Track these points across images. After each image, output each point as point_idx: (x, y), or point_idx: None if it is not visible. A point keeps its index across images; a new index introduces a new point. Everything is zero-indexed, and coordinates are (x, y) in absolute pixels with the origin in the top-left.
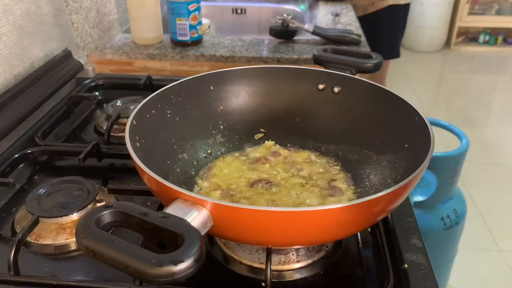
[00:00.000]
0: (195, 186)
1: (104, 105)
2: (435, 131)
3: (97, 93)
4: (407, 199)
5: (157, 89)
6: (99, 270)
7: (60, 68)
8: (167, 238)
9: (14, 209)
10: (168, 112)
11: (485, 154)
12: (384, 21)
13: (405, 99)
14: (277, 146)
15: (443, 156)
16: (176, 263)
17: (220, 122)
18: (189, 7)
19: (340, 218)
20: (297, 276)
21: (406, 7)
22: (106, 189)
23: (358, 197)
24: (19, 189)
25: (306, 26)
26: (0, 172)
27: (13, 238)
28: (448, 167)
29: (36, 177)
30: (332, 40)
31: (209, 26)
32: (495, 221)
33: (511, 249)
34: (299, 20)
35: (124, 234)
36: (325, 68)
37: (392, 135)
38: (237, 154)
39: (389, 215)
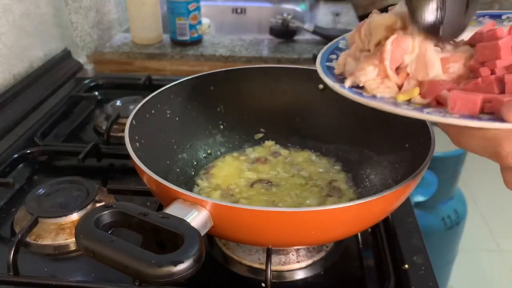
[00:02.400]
0: (195, 186)
1: (104, 105)
2: (435, 131)
3: (96, 93)
4: (408, 199)
5: (157, 89)
6: (99, 270)
7: (59, 68)
8: (166, 239)
9: (13, 209)
10: (168, 112)
11: None
12: None
13: None
14: (277, 146)
15: (443, 156)
16: (175, 263)
17: (220, 122)
18: (188, 6)
19: (340, 219)
20: (298, 276)
21: None
22: (105, 189)
23: (359, 198)
24: (19, 189)
25: (306, 26)
26: (0, 172)
27: (13, 239)
28: (449, 167)
29: (35, 177)
30: (332, 39)
31: (209, 26)
32: (495, 221)
33: (511, 249)
34: (299, 20)
35: (123, 234)
36: None
37: (392, 135)
38: (236, 154)
39: (389, 215)
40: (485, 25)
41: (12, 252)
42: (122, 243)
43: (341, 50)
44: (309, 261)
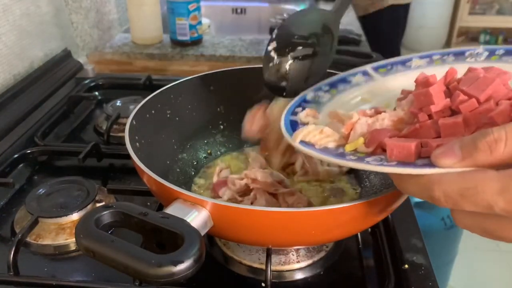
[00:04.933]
0: (193, 185)
1: (104, 105)
2: None
3: (96, 93)
4: (408, 199)
5: (157, 89)
6: (99, 270)
7: (59, 68)
8: (167, 239)
9: (13, 209)
10: (168, 112)
11: None
12: (385, 21)
13: None
14: None
15: None
16: (176, 263)
17: (220, 122)
18: (189, 6)
19: (340, 219)
20: (297, 276)
21: (406, 7)
22: (105, 189)
23: (359, 197)
24: (19, 189)
25: None
26: (0, 172)
27: (13, 238)
28: None
29: (35, 177)
30: None
31: (209, 26)
32: None
33: (511, 249)
34: None
35: (124, 234)
36: None
37: None
38: (236, 154)
39: (389, 215)
40: (419, 74)
41: (12, 252)
42: (122, 243)
43: (308, 102)
44: (309, 261)
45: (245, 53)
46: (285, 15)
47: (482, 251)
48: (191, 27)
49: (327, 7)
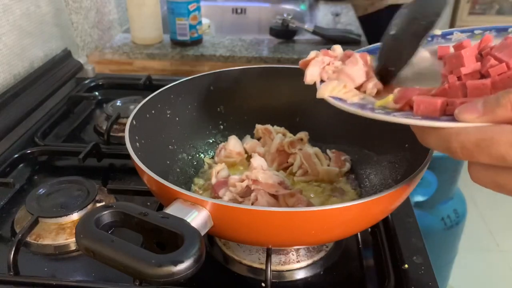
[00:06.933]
0: (192, 185)
1: (104, 105)
2: None
3: (96, 93)
4: (408, 199)
5: (157, 89)
6: (99, 270)
7: (59, 68)
8: (167, 239)
9: (13, 209)
10: (168, 112)
11: None
12: (384, 21)
13: None
14: None
15: (443, 156)
16: (176, 263)
17: (220, 122)
18: (189, 7)
19: (340, 218)
20: (297, 276)
21: None
22: (106, 189)
23: (359, 197)
24: (19, 189)
25: (306, 26)
26: (0, 172)
27: (13, 238)
28: (449, 167)
29: (35, 177)
30: (332, 40)
31: (209, 26)
32: (495, 221)
33: (511, 249)
34: (299, 20)
35: (124, 234)
36: None
37: (392, 135)
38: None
39: (389, 215)
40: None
41: (13, 252)
42: (122, 243)
43: None
44: (309, 261)
45: (245, 53)
46: (285, 15)
47: (482, 251)
48: (191, 27)
49: (328, 7)
